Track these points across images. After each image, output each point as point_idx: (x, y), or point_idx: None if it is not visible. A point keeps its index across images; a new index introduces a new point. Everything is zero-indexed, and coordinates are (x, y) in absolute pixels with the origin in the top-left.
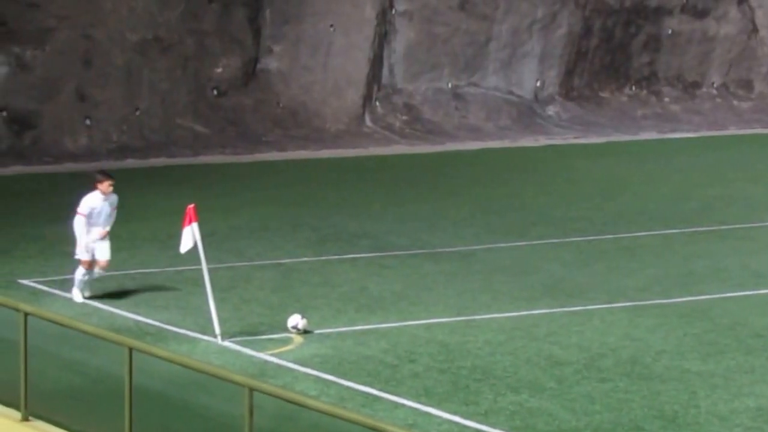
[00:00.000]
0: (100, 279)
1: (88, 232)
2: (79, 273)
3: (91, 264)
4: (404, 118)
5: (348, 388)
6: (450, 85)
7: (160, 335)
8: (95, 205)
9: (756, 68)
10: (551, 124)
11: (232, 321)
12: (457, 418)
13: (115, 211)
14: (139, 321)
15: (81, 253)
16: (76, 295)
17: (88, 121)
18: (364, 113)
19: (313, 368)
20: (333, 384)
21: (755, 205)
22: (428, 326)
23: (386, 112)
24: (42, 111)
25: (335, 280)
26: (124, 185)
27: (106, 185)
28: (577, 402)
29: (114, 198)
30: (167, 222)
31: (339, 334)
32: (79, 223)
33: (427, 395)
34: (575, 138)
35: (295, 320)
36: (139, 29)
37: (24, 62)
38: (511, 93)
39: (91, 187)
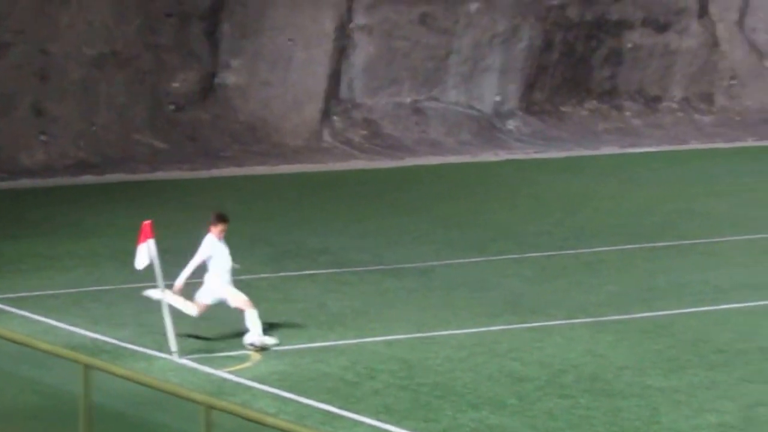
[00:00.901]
0: (56, 296)
1: (212, 276)
2: (258, 330)
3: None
4: (363, 132)
5: (307, 405)
6: (410, 100)
7: (117, 353)
8: (211, 253)
9: (717, 82)
10: (512, 138)
11: (189, 338)
12: None
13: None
14: (96, 338)
15: (202, 296)
16: (265, 340)
17: (44, 137)
18: (323, 128)
19: (271, 386)
20: (292, 401)
21: (716, 220)
22: (388, 343)
23: (345, 127)
24: None
25: (294, 296)
26: (82, 202)
27: (218, 230)
28: (539, 419)
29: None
30: (125, 239)
31: (298, 351)
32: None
33: (387, 412)
34: (536, 153)
35: (253, 337)
36: (96, 44)
37: None
38: (471, 107)
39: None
